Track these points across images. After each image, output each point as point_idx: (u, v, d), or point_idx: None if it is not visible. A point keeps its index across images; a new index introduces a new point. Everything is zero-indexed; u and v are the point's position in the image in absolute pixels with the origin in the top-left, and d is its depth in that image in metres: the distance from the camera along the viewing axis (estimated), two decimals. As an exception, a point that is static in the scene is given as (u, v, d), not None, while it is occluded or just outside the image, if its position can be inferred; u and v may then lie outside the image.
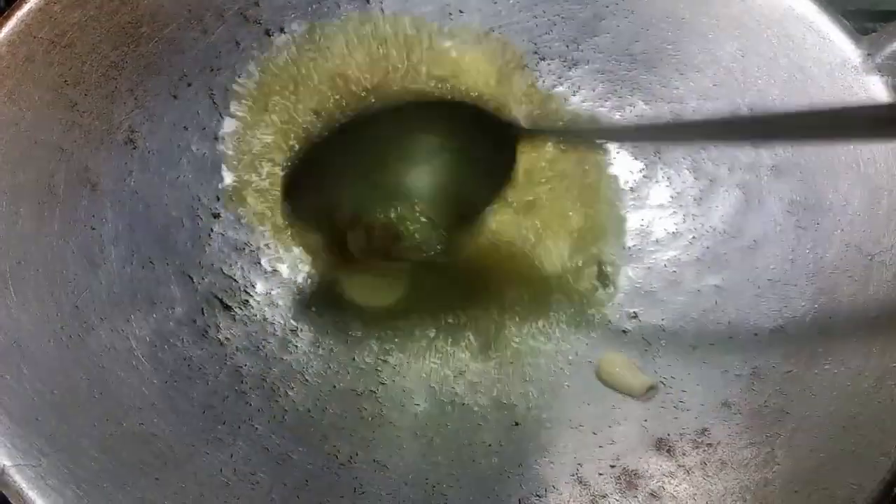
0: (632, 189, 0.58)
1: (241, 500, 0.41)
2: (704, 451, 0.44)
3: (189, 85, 0.56)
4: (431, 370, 0.50)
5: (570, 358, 0.51)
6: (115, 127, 0.52)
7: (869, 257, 0.47)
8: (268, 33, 0.59)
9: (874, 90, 0.50)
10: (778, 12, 0.54)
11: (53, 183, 0.48)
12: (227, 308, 0.51)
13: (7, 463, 0.37)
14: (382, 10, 0.60)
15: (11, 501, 0.36)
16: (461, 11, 0.61)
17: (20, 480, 0.37)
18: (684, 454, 0.44)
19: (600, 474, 0.44)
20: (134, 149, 0.53)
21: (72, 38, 0.51)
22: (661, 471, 0.44)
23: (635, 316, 0.53)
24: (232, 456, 0.44)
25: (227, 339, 0.50)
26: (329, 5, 0.59)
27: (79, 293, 0.46)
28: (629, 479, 0.44)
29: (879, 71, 0.50)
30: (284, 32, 0.59)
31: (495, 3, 0.61)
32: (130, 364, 0.45)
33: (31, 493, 0.36)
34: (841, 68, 0.51)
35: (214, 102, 0.57)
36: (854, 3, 0.73)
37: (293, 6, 0.59)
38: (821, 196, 0.50)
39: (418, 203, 0.54)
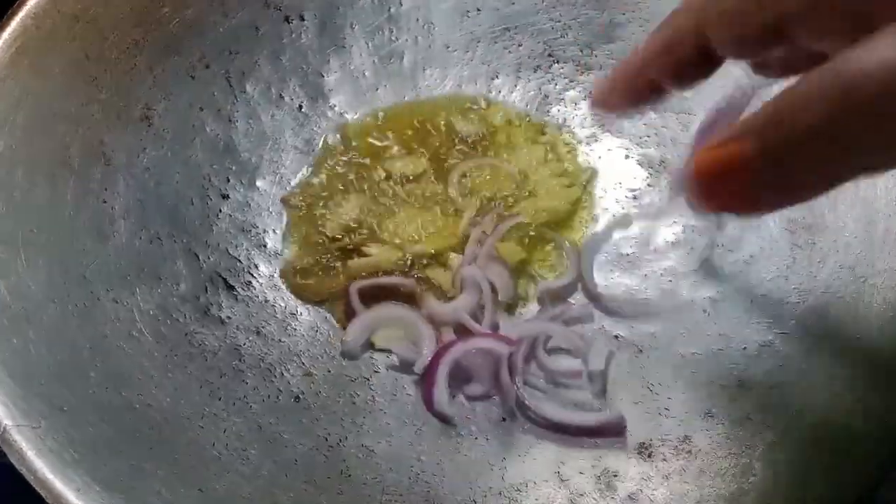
0: (635, 197, 0.59)
1: (231, 474, 0.43)
2: (684, 458, 0.45)
3: (207, 67, 0.57)
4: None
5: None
6: (132, 103, 0.53)
7: (861, 280, 0.48)
8: (287, 20, 0.60)
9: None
10: (791, 30, 0.55)
11: (69, 155, 0.49)
12: (230, 287, 0.53)
13: (9, 423, 0.38)
14: (401, 3, 0.61)
15: (12, 461, 0.38)
16: (479, 10, 0.62)
17: (20, 440, 0.38)
18: (664, 459, 0.45)
19: (581, 473, 0.45)
20: (149, 126, 0.54)
21: (95, 13, 0.52)
22: (640, 474, 0.45)
23: (629, 322, 0.53)
24: (225, 431, 0.45)
25: (228, 317, 0.51)
26: (348, -4, 0.60)
27: (87, 264, 0.47)
28: (608, 481, 0.45)
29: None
30: (304, 20, 0.60)
31: (513, 3, 0.62)
32: (133, 336, 0.46)
33: (30, 454, 0.38)
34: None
35: (231, 85, 0.58)
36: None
37: (313, -6, 0.60)
38: (819, 216, 0.51)
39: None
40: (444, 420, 0.48)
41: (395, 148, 0.59)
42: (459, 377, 0.50)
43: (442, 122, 0.60)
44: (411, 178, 0.58)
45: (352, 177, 0.58)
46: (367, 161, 0.59)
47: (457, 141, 0.59)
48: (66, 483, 0.37)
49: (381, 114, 0.60)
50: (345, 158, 0.59)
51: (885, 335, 0.45)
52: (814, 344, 0.47)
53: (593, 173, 0.59)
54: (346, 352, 0.51)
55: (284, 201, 0.57)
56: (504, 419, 0.49)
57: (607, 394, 0.49)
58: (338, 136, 0.59)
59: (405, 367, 0.51)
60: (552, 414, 0.48)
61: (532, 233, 0.56)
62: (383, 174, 0.58)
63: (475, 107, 0.61)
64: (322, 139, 0.59)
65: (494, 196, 0.57)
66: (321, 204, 0.57)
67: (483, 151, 0.59)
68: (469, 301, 0.53)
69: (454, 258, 0.54)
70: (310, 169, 0.58)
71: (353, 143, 0.59)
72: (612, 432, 0.47)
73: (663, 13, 0.57)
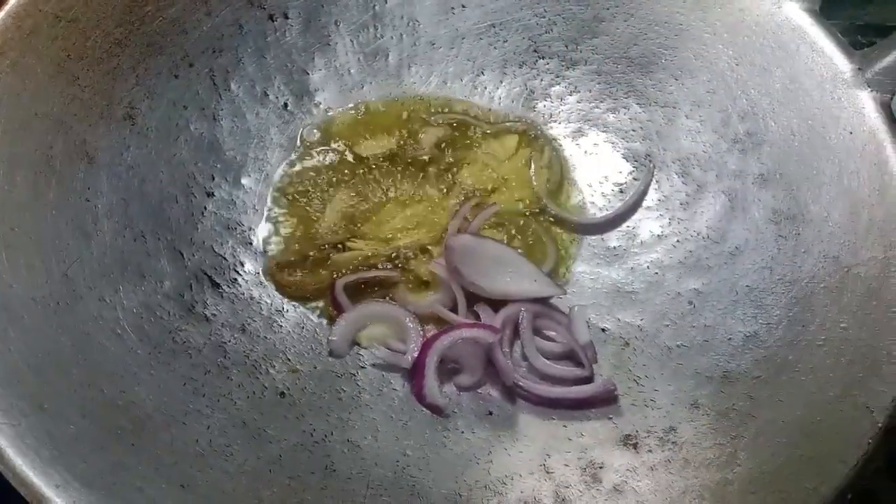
0: (621, 190, 0.59)
1: (213, 471, 0.42)
2: (670, 449, 0.45)
3: (191, 65, 0.57)
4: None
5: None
6: (115, 102, 0.53)
7: (845, 269, 0.48)
8: (271, 18, 0.60)
9: (863, 104, 0.51)
10: (774, 22, 0.55)
11: (51, 154, 0.49)
12: (216, 285, 0.53)
13: (-12, 421, 0.38)
14: (386, 0, 0.61)
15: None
16: (464, 6, 0.62)
17: (-1, 438, 0.38)
18: (650, 451, 0.45)
19: (566, 465, 0.45)
20: (133, 125, 0.54)
21: (77, 12, 0.52)
22: (625, 465, 0.44)
23: (615, 315, 0.53)
24: (209, 428, 0.45)
25: (213, 315, 0.51)
26: (333, -6, 0.60)
27: (69, 262, 0.47)
28: (594, 472, 0.44)
29: (869, 86, 0.51)
30: (288, 18, 0.60)
31: (498, -1, 0.62)
32: (116, 333, 0.46)
33: (9, 452, 0.38)
34: (832, 81, 0.52)
35: (215, 83, 0.58)
36: (861, 17, 0.74)
37: (297, -9, 0.60)
38: (803, 206, 0.51)
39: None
40: (437, 411, 0.48)
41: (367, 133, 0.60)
42: (448, 368, 0.50)
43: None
44: (382, 158, 0.58)
45: (333, 172, 0.58)
46: (346, 152, 0.59)
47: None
48: (45, 480, 0.37)
49: (362, 107, 0.61)
50: (325, 153, 0.59)
51: (869, 324, 0.45)
52: (799, 334, 0.47)
53: (556, 146, 0.60)
54: (333, 350, 0.51)
55: (281, 191, 0.57)
56: (490, 413, 0.49)
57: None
58: (315, 131, 0.59)
59: (392, 362, 0.50)
60: (546, 390, 0.49)
61: (511, 223, 0.57)
62: (357, 162, 0.58)
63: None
64: (299, 134, 0.59)
65: (473, 187, 0.58)
66: (307, 201, 0.57)
67: (458, 144, 0.60)
68: (445, 293, 0.53)
69: (436, 250, 0.55)
70: (291, 165, 0.59)
71: (333, 135, 0.60)
72: (605, 401, 0.48)
73: (647, 8, 0.59)
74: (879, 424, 0.41)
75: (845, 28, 0.73)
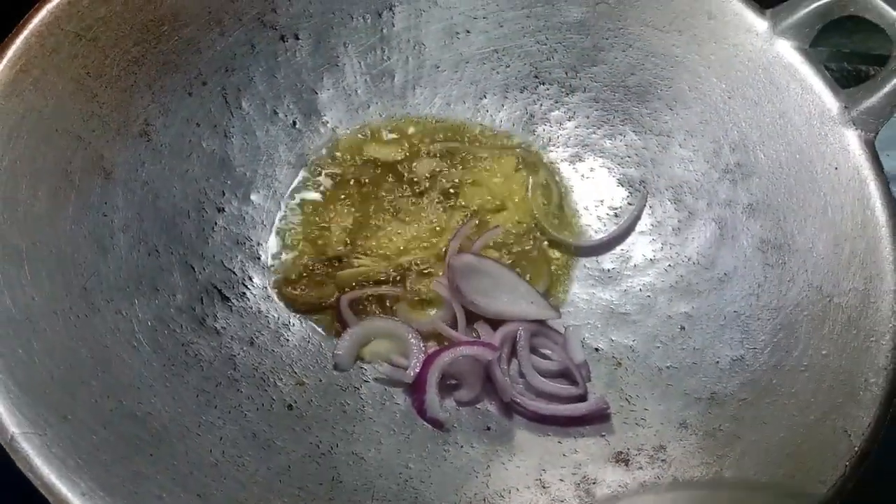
0: (616, 214, 0.61)
1: (227, 480, 0.44)
2: (659, 466, 0.47)
3: (204, 84, 0.59)
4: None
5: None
6: (131, 119, 0.55)
7: (828, 298, 0.50)
8: (282, 39, 0.61)
9: (848, 142, 0.53)
10: (765, 59, 0.57)
11: (70, 169, 0.51)
12: (226, 299, 0.54)
13: (16, 430, 0.40)
14: (393, 24, 0.63)
15: (20, 467, 0.39)
16: (468, 32, 0.64)
17: (27, 447, 0.40)
18: (640, 468, 0.47)
19: (561, 480, 0.47)
20: (148, 141, 0.55)
21: (96, 32, 0.53)
22: (617, 481, 0.47)
23: (608, 335, 0.56)
24: (221, 439, 0.47)
25: (223, 328, 0.53)
26: (342, 16, 0.62)
27: (88, 275, 0.49)
28: (587, 487, 0.47)
29: (854, 124, 0.53)
30: (298, 39, 0.62)
31: (501, 25, 0.64)
32: (132, 346, 0.48)
33: (37, 460, 0.39)
34: (819, 118, 0.55)
35: (227, 101, 0.60)
36: (847, 45, 0.77)
37: (308, 14, 0.61)
38: (789, 237, 0.54)
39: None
40: (437, 425, 0.50)
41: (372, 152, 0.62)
42: (448, 384, 0.52)
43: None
44: (387, 178, 0.61)
45: (339, 191, 0.60)
46: (352, 171, 0.61)
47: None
48: (71, 488, 0.39)
49: (367, 129, 0.63)
50: (332, 172, 0.61)
51: (848, 352, 0.47)
52: (782, 359, 0.50)
53: (553, 170, 0.62)
54: (338, 364, 0.53)
55: (288, 208, 0.59)
56: (489, 428, 0.51)
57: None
58: (322, 150, 0.61)
59: (394, 377, 0.53)
60: (542, 407, 0.51)
61: (509, 243, 0.59)
62: (362, 181, 0.60)
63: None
64: (307, 152, 0.61)
65: (473, 208, 0.60)
66: (313, 217, 0.59)
67: (458, 164, 0.62)
68: (446, 311, 0.55)
69: (438, 269, 0.57)
70: (299, 182, 0.61)
71: (339, 155, 0.62)
72: (598, 419, 0.50)
73: (644, 39, 0.61)
74: (856, 448, 0.44)
75: (832, 55, 0.77)
